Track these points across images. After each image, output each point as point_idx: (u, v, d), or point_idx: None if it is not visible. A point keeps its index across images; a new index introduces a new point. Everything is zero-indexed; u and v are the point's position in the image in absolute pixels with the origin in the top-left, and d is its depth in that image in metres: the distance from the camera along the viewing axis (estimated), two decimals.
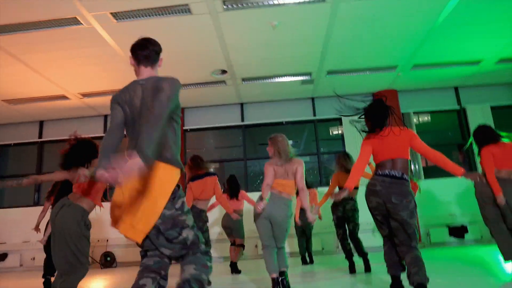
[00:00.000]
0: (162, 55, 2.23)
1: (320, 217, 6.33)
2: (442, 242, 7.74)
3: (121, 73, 6.96)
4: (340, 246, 5.12)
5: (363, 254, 4.68)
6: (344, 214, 4.81)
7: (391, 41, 6.38)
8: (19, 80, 6.93)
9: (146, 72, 2.13)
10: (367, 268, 4.62)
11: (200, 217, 4.45)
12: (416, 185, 6.41)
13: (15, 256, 8.15)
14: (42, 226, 5.01)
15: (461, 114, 8.69)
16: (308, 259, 6.43)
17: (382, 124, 2.97)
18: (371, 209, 2.98)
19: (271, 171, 3.61)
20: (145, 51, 2.13)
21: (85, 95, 7.81)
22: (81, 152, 3.13)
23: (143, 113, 2.00)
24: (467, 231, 7.69)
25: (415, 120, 8.79)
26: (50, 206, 4.56)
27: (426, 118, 9.18)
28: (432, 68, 7.56)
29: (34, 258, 8.09)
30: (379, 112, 3.00)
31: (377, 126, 2.98)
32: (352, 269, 4.67)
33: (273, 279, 3.37)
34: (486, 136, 3.99)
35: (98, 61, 6.52)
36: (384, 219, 2.94)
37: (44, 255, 7.66)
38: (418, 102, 8.77)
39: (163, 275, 2.06)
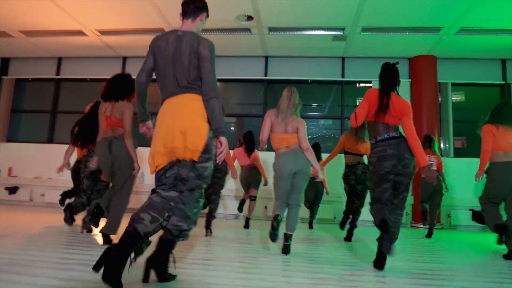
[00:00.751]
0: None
1: (327, 192, 6.40)
2: (463, 225, 7.23)
3: (141, 11, 6.52)
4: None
5: (355, 226, 4.77)
6: (357, 181, 4.72)
7: None
8: (34, 9, 6.56)
9: (186, 24, 2.39)
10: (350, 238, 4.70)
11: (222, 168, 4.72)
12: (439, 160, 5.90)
13: (25, 191, 8.18)
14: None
15: (505, 90, 7.90)
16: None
17: (386, 89, 3.10)
18: (385, 175, 2.99)
19: (267, 124, 3.63)
20: (188, 6, 2.40)
21: (103, 32, 7.42)
22: (122, 86, 3.67)
23: (176, 62, 2.25)
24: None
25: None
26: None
27: (460, 97, 8.45)
28: (481, 34, 6.76)
29: (43, 195, 8.10)
30: (386, 77, 3.15)
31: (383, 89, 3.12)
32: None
33: (275, 216, 3.47)
34: (494, 114, 4.12)
35: None
36: (393, 180, 3.01)
37: (53, 192, 7.73)
38: (459, 72, 8.01)
39: (166, 217, 2.19)
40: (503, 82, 7.91)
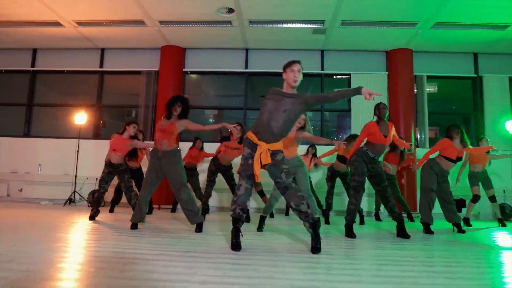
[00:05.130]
0: None
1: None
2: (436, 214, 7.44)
3: (121, 3, 6.43)
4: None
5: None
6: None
7: None
8: None
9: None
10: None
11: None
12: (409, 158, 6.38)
13: (2, 186, 7.99)
14: None
15: (477, 82, 8.22)
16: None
17: None
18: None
19: None
20: None
21: (80, 23, 7.28)
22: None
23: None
24: (465, 205, 7.31)
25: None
26: None
27: (432, 88, 8.70)
28: (455, 28, 6.99)
29: (21, 190, 7.94)
30: None
31: None
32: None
33: None
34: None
35: None
36: None
37: (31, 186, 7.59)
38: (433, 65, 8.26)
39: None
40: (475, 75, 8.21)
